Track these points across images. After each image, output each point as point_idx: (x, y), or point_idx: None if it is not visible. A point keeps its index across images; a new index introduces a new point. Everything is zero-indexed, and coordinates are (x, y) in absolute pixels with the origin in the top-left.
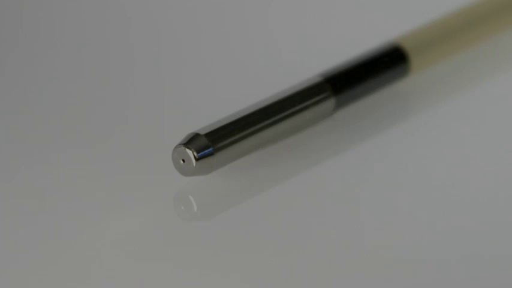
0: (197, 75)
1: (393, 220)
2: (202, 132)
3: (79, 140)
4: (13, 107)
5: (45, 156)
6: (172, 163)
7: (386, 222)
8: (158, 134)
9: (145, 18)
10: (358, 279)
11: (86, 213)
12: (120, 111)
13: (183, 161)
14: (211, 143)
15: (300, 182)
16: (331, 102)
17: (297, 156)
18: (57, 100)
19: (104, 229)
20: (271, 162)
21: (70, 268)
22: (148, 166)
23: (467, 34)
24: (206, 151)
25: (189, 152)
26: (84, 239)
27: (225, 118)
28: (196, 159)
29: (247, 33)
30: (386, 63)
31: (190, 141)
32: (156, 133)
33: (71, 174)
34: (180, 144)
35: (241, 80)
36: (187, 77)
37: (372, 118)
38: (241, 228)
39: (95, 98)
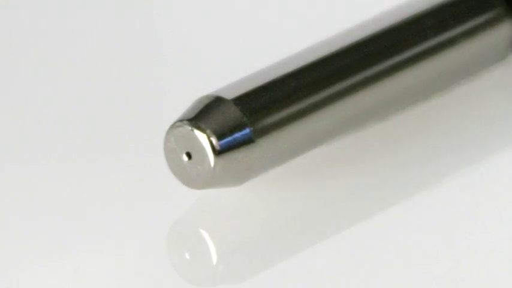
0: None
1: None
2: (229, 96)
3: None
4: None
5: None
6: (166, 161)
7: None
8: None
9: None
10: None
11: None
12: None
13: (188, 156)
14: (249, 119)
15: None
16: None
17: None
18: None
19: None
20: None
21: None
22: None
23: None
24: (237, 135)
25: (201, 136)
26: None
27: (271, 70)
28: (217, 153)
29: None
30: None
31: (204, 114)
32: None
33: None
34: (181, 121)
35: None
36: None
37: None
38: None
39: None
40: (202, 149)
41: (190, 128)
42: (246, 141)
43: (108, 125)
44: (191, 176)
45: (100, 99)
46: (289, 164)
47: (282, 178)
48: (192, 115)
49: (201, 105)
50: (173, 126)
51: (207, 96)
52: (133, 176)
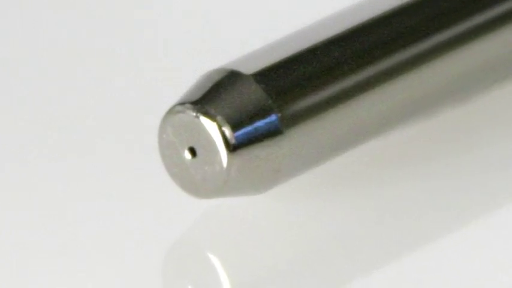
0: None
1: None
2: (248, 70)
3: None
4: None
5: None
6: (161, 160)
7: None
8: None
9: None
10: None
11: None
12: None
13: (192, 153)
14: (276, 101)
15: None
16: None
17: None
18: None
19: None
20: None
21: None
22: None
23: None
24: (260, 124)
25: (210, 125)
26: None
27: (304, 36)
28: (232, 148)
29: None
30: None
31: (213, 94)
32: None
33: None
34: (182, 105)
35: None
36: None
37: None
38: None
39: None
40: (211, 143)
41: (194, 113)
42: (272, 133)
43: (85, 113)
44: (196, 181)
45: (78, 78)
46: (328, 165)
47: (317, 184)
48: (197, 96)
49: (210, 83)
50: (171, 111)
51: (217, 71)
52: (117, 181)
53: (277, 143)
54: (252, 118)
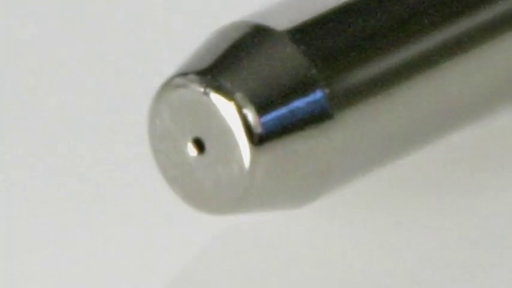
0: None
1: None
2: (281, 25)
3: None
4: None
5: None
6: (153, 159)
7: None
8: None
9: None
10: None
11: None
12: None
13: (198, 147)
14: (323, 71)
15: None
16: None
17: None
18: None
19: None
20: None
21: None
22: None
23: None
24: (299, 104)
25: (226, 106)
26: None
27: None
28: (258, 140)
29: None
30: None
31: (230, 61)
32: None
33: None
34: (184, 76)
35: None
36: None
37: None
38: None
39: None
40: (226, 132)
41: (202, 89)
42: (317, 117)
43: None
44: (204, 189)
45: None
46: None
47: (376, 196)
48: (206, 63)
49: (224, 44)
50: (167, 86)
51: (235, 26)
52: (93, 189)
53: (325, 132)
54: (286, 96)
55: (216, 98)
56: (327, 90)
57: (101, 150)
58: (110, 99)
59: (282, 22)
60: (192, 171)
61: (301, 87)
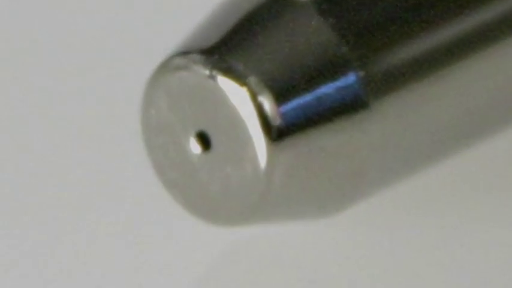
0: None
1: None
2: None
3: None
4: None
5: None
6: (148, 156)
7: None
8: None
9: None
10: None
11: None
12: None
13: (203, 142)
14: (356, 51)
15: None
16: None
17: None
18: None
19: None
20: None
21: None
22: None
23: None
24: (327, 90)
25: (237, 92)
26: None
27: None
28: (278, 134)
29: None
30: None
31: (242, 36)
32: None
33: None
34: (184, 55)
35: None
36: None
37: None
38: None
39: None
40: (237, 125)
41: (207, 71)
42: (350, 106)
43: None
44: (210, 195)
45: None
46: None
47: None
48: (212, 40)
49: (235, 17)
50: (165, 68)
51: None
52: (71, 195)
53: (359, 125)
54: (311, 80)
55: (225, 83)
56: (361, 73)
57: (82, 149)
58: (93, 84)
59: None
60: (195, 172)
61: (330, 69)
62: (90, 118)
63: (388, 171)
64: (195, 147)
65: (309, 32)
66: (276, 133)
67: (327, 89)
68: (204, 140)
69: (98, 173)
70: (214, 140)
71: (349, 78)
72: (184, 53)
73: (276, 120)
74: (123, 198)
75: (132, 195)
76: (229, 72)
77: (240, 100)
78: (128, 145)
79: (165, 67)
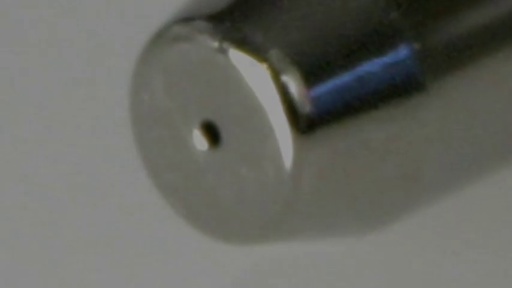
0: None
1: None
2: None
3: None
4: None
5: None
6: (138, 155)
7: None
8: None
9: None
10: None
11: None
12: None
13: (210, 135)
14: (411, 17)
15: None
16: None
17: None
18: None
19: None
20: None
21: None
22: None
23: None
24: (371, 67)
25: (253, 69)
26: None
27: None
28: (305, 125)
29: None
30: None
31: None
32: None
33: None
34: (186, 22)
35: None
36: None
37: None
38: None
39: None
40: (256, 112)
41: (216, 43)
42: (401, 88)
43: None
44: (220, 203)
45: None
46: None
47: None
48: (221, 4)
49: None
50: (161, 38)
51: None
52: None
53: (413, 113)
54: (351, 54)
55: (239, 58)
56: (416, 46)
57: (55, 143)
58: (73, 59)
59: None
60: (201, 175)
61: (375, 41)
62: (66, 104)
63: (450, 173)
64: (200, 142)
65: None
66: (305, 123)
67: (372, 66)
68: (212, 132)
69: (75, 177)
70: (225, 132)
71: (401, 53)
72: (186, 19)
73: (306, 107)
74: (106, 208)
75: (118, 204)
76: (244, 44)
77: (258, 80)
78: (112, 140)
79: (161, 37)
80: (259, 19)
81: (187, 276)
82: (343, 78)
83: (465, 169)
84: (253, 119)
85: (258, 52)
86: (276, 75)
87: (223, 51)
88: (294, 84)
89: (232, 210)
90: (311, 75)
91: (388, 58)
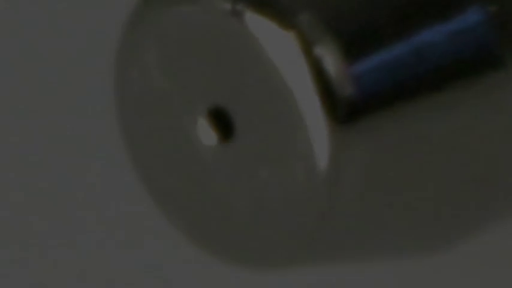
0: None
1: None
2: None
3: None
4: None
5: None
6: (126, 153)
7: None
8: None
9: None
10: None
11: None
12: None
13: (219, 127)
14: None
15: None
16: None
17: None
18: None
19: None
20: None
21: None
22: None
23: None
24: (432, 36)
25: (277, 40)
26: None
27: None
28: (344, 112)
29: None
30: None
31: None
32: None
33: None
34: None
35: None
36: None
37: None
38: None
39: None
40: (280, 95)
41: (228, 3)
42: (474, 63)
43: None
44: (234, 215)
45: None
46: None
47: None
48: None
49: None
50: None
51: None
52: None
53: (488, 95)
54: (404, 21)
55: (258, 23)
56: (492, 9)
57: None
58: (50, 33)
59: None
60: (207, 178)
61: (437, 4)
62: (44, 86)
63: None
64: (206, 135)
65: None
66: (345, 110)
67: (432, 35)
68: (222, 123)
69: (55, 178)
70: (239, 122)
71: (470, 17)
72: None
73: (345, 88)
74: (95, 217)
75: (104, 214)
76: (265, 4)
77: (283, 53)
78: (94, 132)
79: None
80: None
81: None
82: (394, 51)
83: None
84: (276, 105)
85: (283, 16)
86: (307, 47)
87: (237, 14)
88: (330, 58)
89: (249, 226)
90: (353, 47)
91: (454, 24)
